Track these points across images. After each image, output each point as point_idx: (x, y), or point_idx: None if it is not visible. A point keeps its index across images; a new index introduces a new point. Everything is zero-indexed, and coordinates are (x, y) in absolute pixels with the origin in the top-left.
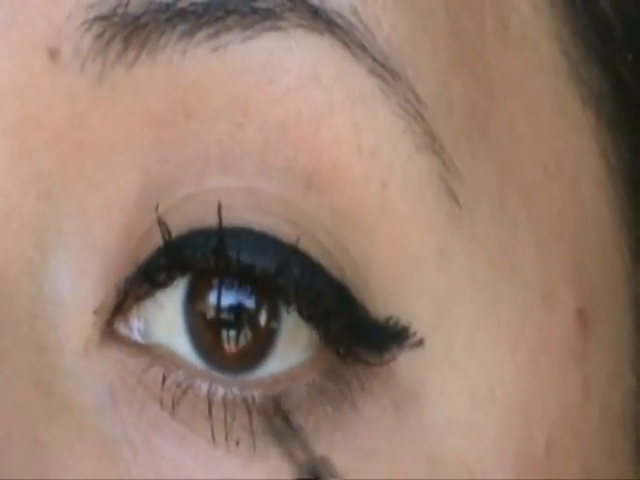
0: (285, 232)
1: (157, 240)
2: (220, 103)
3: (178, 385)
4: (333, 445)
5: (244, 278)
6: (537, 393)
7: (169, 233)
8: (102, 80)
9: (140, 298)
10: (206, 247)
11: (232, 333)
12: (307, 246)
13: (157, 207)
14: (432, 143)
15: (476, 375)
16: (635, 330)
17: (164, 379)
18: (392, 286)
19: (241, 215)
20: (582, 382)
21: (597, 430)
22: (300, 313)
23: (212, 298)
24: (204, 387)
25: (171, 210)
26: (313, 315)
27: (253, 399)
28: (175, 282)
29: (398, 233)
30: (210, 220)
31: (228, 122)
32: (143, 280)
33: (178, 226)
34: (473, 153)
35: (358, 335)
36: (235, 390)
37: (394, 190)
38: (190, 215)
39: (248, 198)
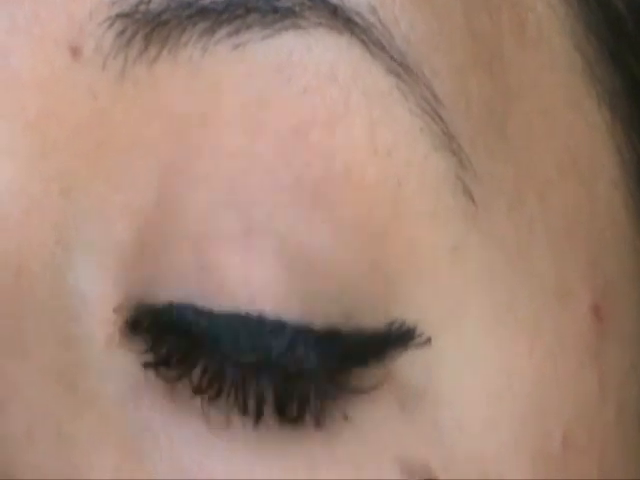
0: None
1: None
2: (237, 107)
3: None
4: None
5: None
6: (554, 389)
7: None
8: (124, 77)
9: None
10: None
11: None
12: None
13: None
14: (449, 142)
15: (493, 372)
16: None
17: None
18: (399, 287)
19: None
20: (598, 378)
21: (614, 427)
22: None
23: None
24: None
25: (174, 259)
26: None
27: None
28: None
29: (412, 232)
30: (205, 302)
31: (241, 130)
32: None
33: (178, 292)
34: (490, 153)
35: (351, 361)
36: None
37: (409, 189)
38: (187, 286)
39: (251, 265)
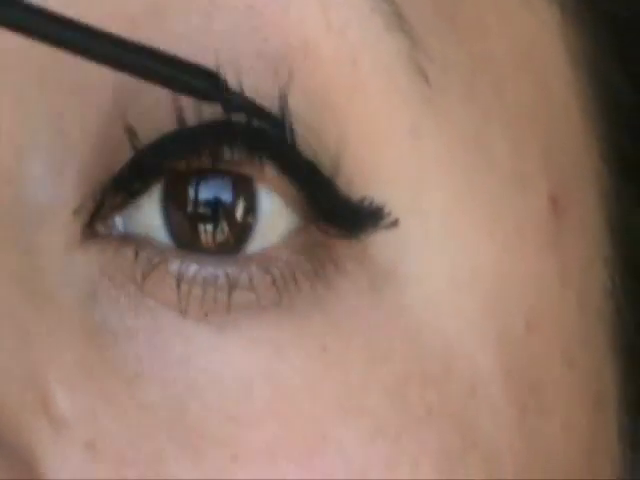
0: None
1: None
2: None
3: (149, 260)
4: (311, 322)
5: (219, 172)
6: (515, 276)
7: (139, 141)
8: None
9: (117, 206)
10: (178, 153)
11: (209, 227)
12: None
13: (129, 126)
14: (401, 23)
15: (455, 256)
16: (606, 228)
17: (136, 255)
18: (366, 167)
19: (210, 114)
20: (558, 268)
21: (575, 315)
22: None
23: (190, 193)
24: (175, 264)
25: (142, 115)
26: (293, 172)
27: (227, 275)
28: (150, 188)
29: (370, 112)
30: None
31: (198, 13)
32: (118, 190)
33: (149, 133)
34: (442, 38)
35: (333, 216)
36: (209, 268)
37: (364, 68)
38: (160, 121)
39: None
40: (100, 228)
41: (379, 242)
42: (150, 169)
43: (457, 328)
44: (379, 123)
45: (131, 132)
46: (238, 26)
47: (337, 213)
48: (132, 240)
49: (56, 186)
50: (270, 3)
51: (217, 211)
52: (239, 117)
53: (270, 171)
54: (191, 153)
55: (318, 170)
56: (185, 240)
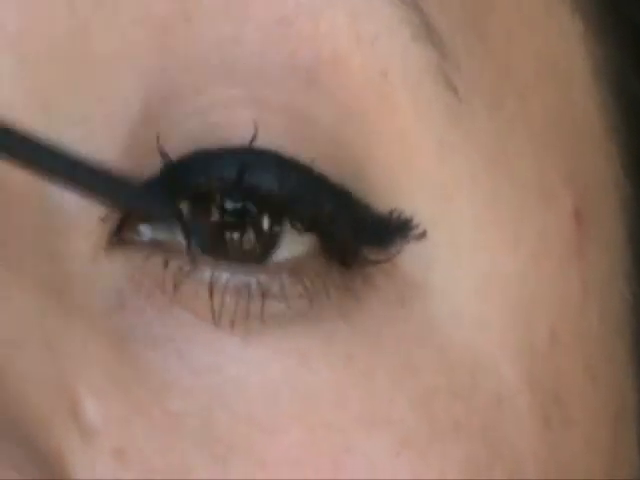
0: (285, 145)
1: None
2: (219, 2)
3: (180, 268)
4: (337, 332)
5: (247, 196)
6: (539, 288)
7: (170, 158)
8: None
9: (144, 216)
10: (208, 172)
11: (236, 235)
12: (308, 155)
13: (158, 138)
14: (430, 34)
15: (481, 268)
16: (627, 240)
17: (166, 263)
18: (394, 179)
19: (242, 132)
20: (581, 281)
21: (597, 333)
22: (302, 225)
23: (216, 201)
24: (207, 272)
25: (174, 127)
26: (315, 227)
27: (259, 283)
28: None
29: (398, 124)
30: (213, 139)
31: (228, 22)
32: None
33: (181, 146)
34: (470, 49)
35: (362, 235)
36: (240, 276)
37: (393, 80)
38: (193, 133)
39: (249, 110)
40: (127, 235)
41: (407, 254)
42: (177, 188)
43: (483, 340)
44: (407, 135)
45: (161, 148)
46: (268, 37)
47: (366, 226)
48: (160, 247)
49: None
50: (300, 14)
51: (244, 219)
52: (265, 142)
53: None
54: (218, 177)
55: (347, 191)
56: (212, 247)
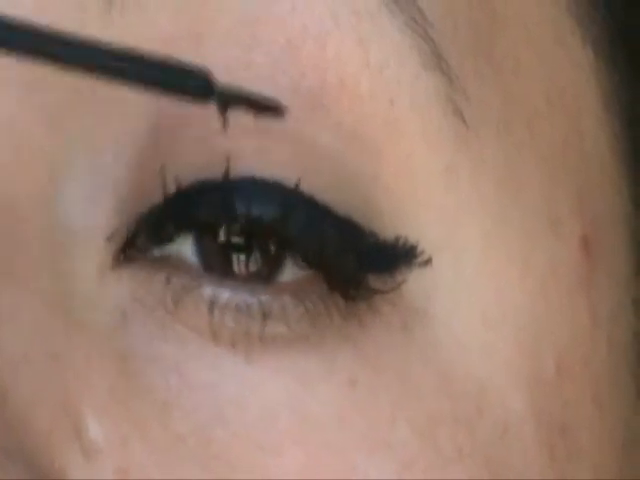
0: (289, 176)
1: (167, 182)
2: (228, 25)
3: (182, 286)
4: (340, 355)
5: (251, 227)
6: (547, 317)
7: (174, 189)
8: (111, 5)
9: (150, 238)
10: (212, 203)
11: (242, 257)
12: (312, 185)
13: (163, 168)
14: (439, 62)
15: (487, 295)
16: (635, 272)
17: (168, 279)
18: (400, 205)
19: (246, 161)
20: (589, 310)
21: (606, 358)
22: (305, 261)
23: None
24: (209, 289)
25: (180, 153)
26: (319, 262)
27: (260, 303)
28: (182, 234)
29: (406, 151)
30: (217, 169)
31: (237, 45)
32: (151, 229)
33: (185, 175)
34: (479, 76)
35: (367, 263)
36: (242, 295)
37: (402, 107)
38: (197, 162)
39: (254, 139)
40: (132, 253)
41: (412, 280)
42: (180, 219)
43: (488, 368)
44: (414, 162)
45: (164, 174)
46: (277, 61)
47: (370, 254)
48: (164, 264)
49: (90, 211)
50: (308, 39)
51: (250, 241)
52: (269, 173)
53: None
54: (221, 209)
55: (352, 222)
56: (217, 267)
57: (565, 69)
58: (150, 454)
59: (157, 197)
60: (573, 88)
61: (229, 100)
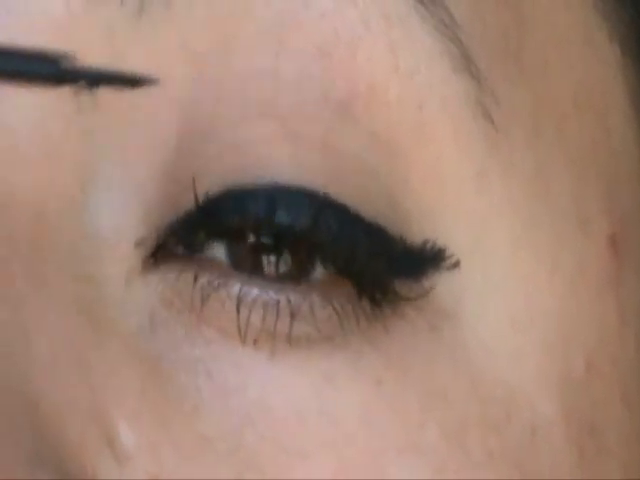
0: (319, 182)
1: (197, 191)
2: (256, 32)
3: (210, 283)
4: (365, 356)
5: (280, 235)
6: (576, 318)
7: (205, 197)
8: (141, 15)
9: (180, 243)
10: (243, 211)
11: (272, 258)
12: (342, 192)
13: (194, 180)
14: (469, 65)
15: (515, 299)
16: None
17: (196, 278)
18: (429, 210)
19: (277, 169)
20: (617, 309)
21: (634, 360)
22: (335, 267)
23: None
24: (236, 287)
25: (209, 162)
26: (348, 269)
27: (288, 302)
28: (213, 242)
29: (435, 156)
30: (248, 177)
31: (265, 53)
32: (181, 235)
33: (215, 182)
34: (507, 78)
35: (395, 268)
36: (270, 293)
37: (431, 111)
38: (228, 169)
39: (284, 146)
40: (162, 258)
41: (439, 284)
42: (212, 227)
43: (517, 371)
44: (444, 167)
45: (195, 182)
46: (305, 69)
47: (398, 259)
48: (193, 263)
49: (119, 218)
50: (338, 45)
51: (280, 243)
52: (299, 180)
53: None
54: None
55: (381, 228)
56: (247, 266)
57: (593, 68)
58: (180, 459)
59: (187, 205)
60: (600, 86)
61: (96, 80)
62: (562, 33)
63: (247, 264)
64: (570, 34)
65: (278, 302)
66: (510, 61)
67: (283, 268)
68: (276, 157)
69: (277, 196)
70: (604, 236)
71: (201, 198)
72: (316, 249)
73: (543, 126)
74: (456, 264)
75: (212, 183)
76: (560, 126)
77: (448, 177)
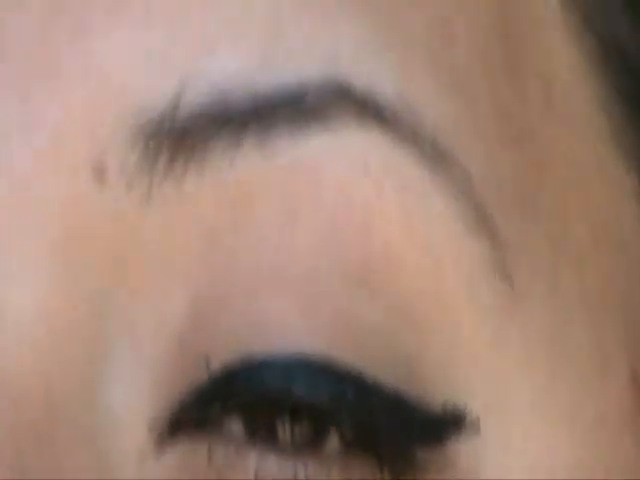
0: (338, 353)
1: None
2: (269, 212)
3: (225, 456)
4: None
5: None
6: (596, 464)
7: (219, 370)
8: (150, 197)
9: (193, 421)
10: (257, 382)
11: (288, 426)
12: (360, 361)
13: (208, 361)
14: (484, 225)
15: (533, 458)
16: None
17: (210, 450)
18: (447, 373)
19: (293, 339)
20: (636, 442)
21: None
22: (354, 437)
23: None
24: (253, 458)
25: (222, 334)
26: (368, 439)
27: (306, 475)
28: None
29: (451, 321)
30: (264, 347)
31: (278, 232)
32: (194, 411)
33: (229, 353)
34: (526, 230)
35: (414, 436)
36: (288, 464)
37: (447, 274)
38: (242, 340)
39: (299, 318)
40: (174, 431)
41: (460, 447)
42: (225, 398)
43: None
44: (461, 331)
45: (207, 353)
46: (319, 239)
47: (418, 426)
48: (207, 437)
49: (130, 395)
50: (352, 215)
51: (297, 406)
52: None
53: None
54: (267, 388)
55: (400, 398)
56: (261, 434)
57: (609, 204)
58: None
59: (199, 376)
60: (620, 219)
61: None
62: (579, 170)
63: (262, 432)
64: (587, 169)
65: (295, 473)
66: (526, 211)
67: (298, 436)
68: (292, 328)
69: (294, 368)
70: (624, 374)
71: (215, 372)
72: (334, 419)
73: (561, 272)
74: (476, 424)
75: (225, 352)
76: (579, 269)
77: (465, 340)
